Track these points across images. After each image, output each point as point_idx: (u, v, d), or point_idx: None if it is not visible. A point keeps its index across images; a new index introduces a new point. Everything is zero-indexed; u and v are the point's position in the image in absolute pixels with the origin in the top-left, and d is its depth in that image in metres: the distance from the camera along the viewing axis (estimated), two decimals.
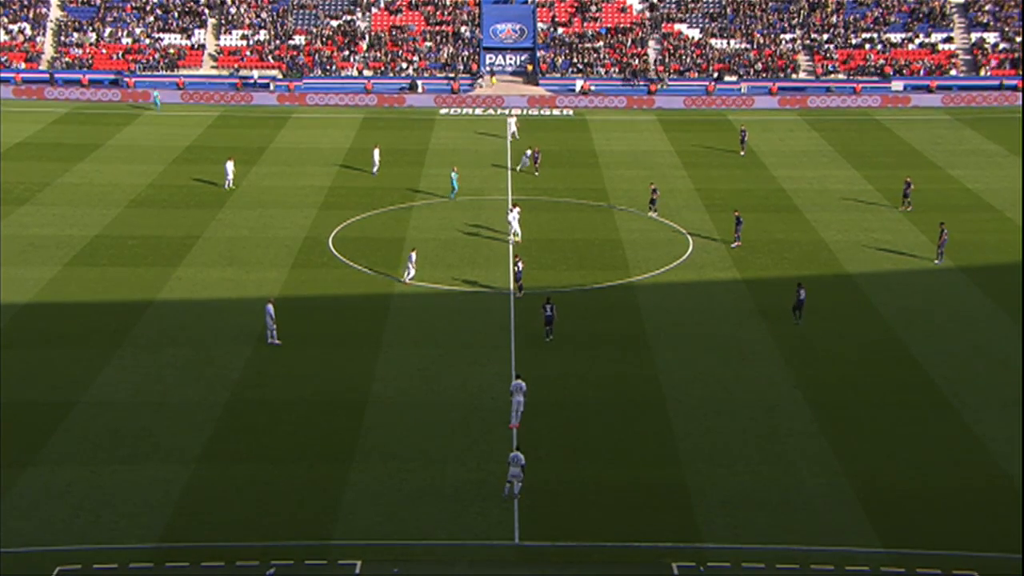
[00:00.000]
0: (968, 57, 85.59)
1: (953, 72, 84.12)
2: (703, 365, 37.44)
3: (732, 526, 28.20)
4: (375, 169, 61.23)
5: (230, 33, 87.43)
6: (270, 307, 38.50)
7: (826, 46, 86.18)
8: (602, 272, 46.16)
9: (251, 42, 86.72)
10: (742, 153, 65.54)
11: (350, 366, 37.20)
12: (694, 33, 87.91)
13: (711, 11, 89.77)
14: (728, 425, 33.32)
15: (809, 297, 43.53)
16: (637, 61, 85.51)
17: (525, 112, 78.98)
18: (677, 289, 44.37)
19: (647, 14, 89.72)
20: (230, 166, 57.69)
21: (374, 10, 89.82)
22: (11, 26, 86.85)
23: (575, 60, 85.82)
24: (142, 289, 43.61)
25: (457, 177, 56.63)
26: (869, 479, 30.31)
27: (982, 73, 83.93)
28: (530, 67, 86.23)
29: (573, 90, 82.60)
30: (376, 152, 62.22)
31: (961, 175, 61.04)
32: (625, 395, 35.31)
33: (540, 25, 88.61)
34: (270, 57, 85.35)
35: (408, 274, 44.20)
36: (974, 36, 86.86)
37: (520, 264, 43.56)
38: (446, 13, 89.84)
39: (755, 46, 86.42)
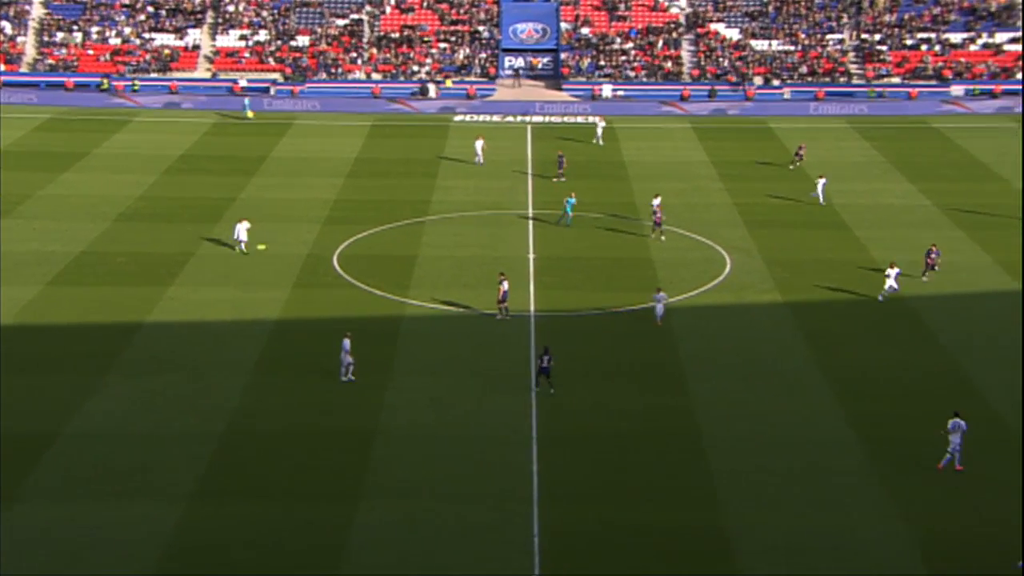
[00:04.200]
0: None
1: (1020, 75, 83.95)
2: (743, 397, 37.42)
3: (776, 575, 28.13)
4: (478, 159, 65.56)
5: (227, 33, 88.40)
6: (347, 342, 38.27)
7: (878, 47, 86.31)
8: (632, 293, 46.27)
9: (250, 43, 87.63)
10: (791, 168, 65.26)
11: (357, 395, 37.40)
12: (732, 34, 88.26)
13: (751, 9, 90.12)
14: (771, 463, 33.25)
15: (859, 323, 43.48)
16: (670, 64, 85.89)
17: (546, 120, 79.45)
18: (714, 312, 44.40)
19: (681, 13, 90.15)
20: (242, 227, 50.59)
21: (386, 9, 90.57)
22: None
23: (601, 62, 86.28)
24: (132, 310, 43.97)
25: (574, 203, 55.20)
26: (928, 525, 30.15)
27: None
28: (536, 62, 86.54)
29: (600, 95, 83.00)
30: (479, 143, 65.80)
31: None
32: (657, 429, 35.32)
33: (564, 25, 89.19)
34: (271, 59, 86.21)
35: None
36: None
37: (506, 283, 43.36)
38: (462, 12, 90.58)
39: (800, 47, 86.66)
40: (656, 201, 53.89)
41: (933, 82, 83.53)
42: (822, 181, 58.77)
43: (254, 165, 65.99)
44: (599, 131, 71.92)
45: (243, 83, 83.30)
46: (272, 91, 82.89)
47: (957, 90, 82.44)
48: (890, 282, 44.80)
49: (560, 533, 29.78)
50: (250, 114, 78.75)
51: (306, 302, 45.30)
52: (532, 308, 44.76)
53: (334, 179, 63.36)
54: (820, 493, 31.73)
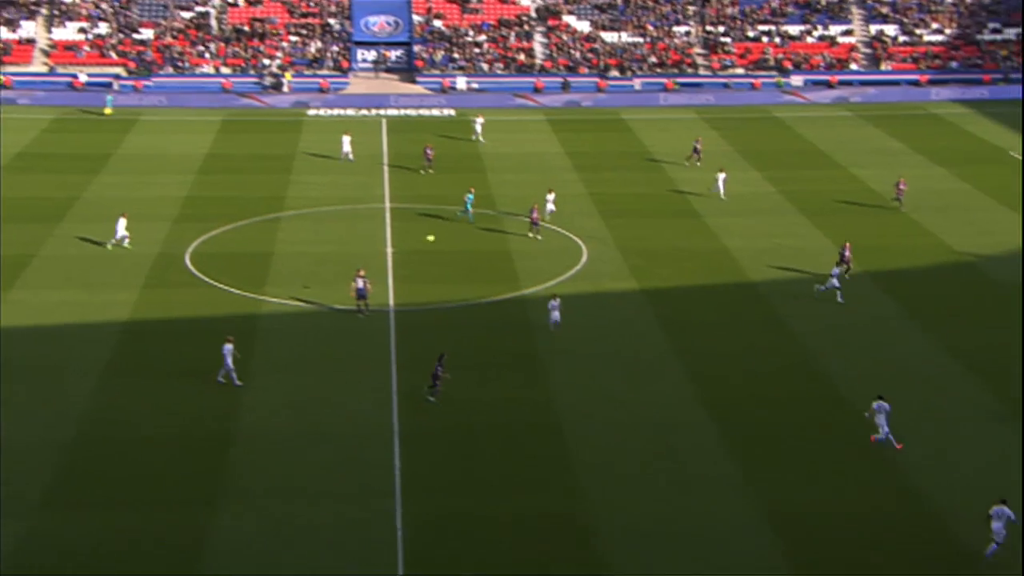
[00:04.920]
0: (868, 51, 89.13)
1: (853, 66, 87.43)
2: (601, 384, 37.92)
3: (636, 558, 28.55)
4: (346, 157, 63.99)
5: (64, 26, 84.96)
6: (228, 347, 36.97)
7: (723, 39, 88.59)
8: (490, 285, 46.40)
9: (90, 36, 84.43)
10: (698, 164, 63.87)
11: (214, 397, 36.48)
12: (583, 26, 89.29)
13: (601, 2, 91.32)
14: (629, 449, 33.80)
15: (712, 310, 44.57)
16: (523, 56, 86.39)
17: (401, 113, 79.11)
18: (571, 302, 44.80)
19: (532, 6, 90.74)
20: (122, 223, 49.43)
21: (237, 2, 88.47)
22: None
23: (455, 55, 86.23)
24: None
25: (472, 200, 54.08)
26: (779, 503, 31.09)
27: (883, 67, 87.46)
28: (389, 55, 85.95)
29: (454, 87, 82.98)
30: (347, 139, 64.35)
31: (865, 175, 63.39)
32: (518, 419, 35.51)
33: (416, 17, 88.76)
34: (112, 52, 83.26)
35: None
36: (873, 28, 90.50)
37: (363, 281, 42.40)
38: (312, 4, 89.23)
39: (648, 39, 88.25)
40: (551, 197, 53.74)
41: (774, 73, 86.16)
42: (721, 175, 58.65)
43: (98, 163, 63.67)
44: (478, 127, 70.61)
45: (83, 78, 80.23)
46: (115, 86, 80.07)
47: (796, 80, 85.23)
48: (832, 280, 44.67)
49: (423, 527, 29.68)
50: (107, 111, 75.90)
51: (157, 303, 43.98)
52: (391, 303, 44.45)
53: (184, 176, 61.66)
54: (677, 476, 32.41)
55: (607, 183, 61.82)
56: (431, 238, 41.78)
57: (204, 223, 53.28)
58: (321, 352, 40.10)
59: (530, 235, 51.83)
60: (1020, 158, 67.18)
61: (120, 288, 45.18)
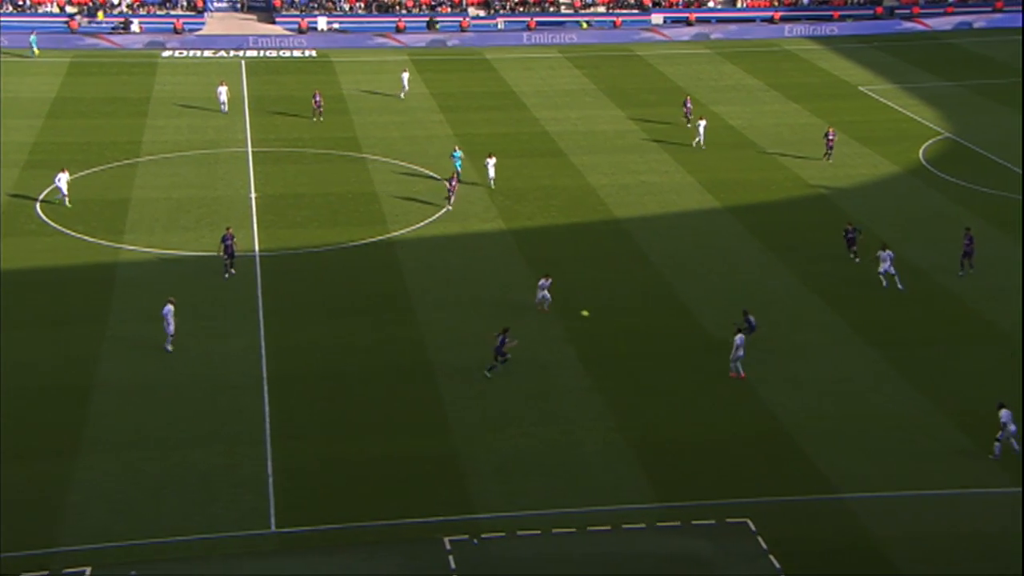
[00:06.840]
0: None
1: (711, 4, 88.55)
2: (471, 324, 38.00)
3: (507, 493, 28.97)
4: (224, 108, 60.71)
5: None
6: (170, 307, 35.18)
7: None
8: (358, 228, 45.91)
9: None
10: (689, 125, 59.47)
11: (71, 348, 35.39)
12: None
13: None
14: (500, 387, 34.08)
15: (577, 247, 45.08)
16: None
17: (261, 54, 77.12)
18: (440, 243, 44.77)
19: None
20: (63, 178, 46.91)
21: None
22: None
23: None
24: None
25: (461, 156, 51.61)
26: (644, 433, 31.88)
27: (739, 4, 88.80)
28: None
29: (314, 28, 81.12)
30: (223, 90, 61.06)
31: (723, 111, 64.54)
32: (389, 362, 35.42)
33: None
34: None
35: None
36: None
37: (231, 239, 40.82)
38: None
39: None
40: (491, 161, 50.50)
41: (635, 11, 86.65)
42: (702, 123, 57.47)
43: None
44: (405, 83, 66.46)
45: None
46: None
47: (657, 18, 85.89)
48: (885, 266, 40.82)
49: (295, 473, 29.49)
50: (36, 52, 71.86)
51: (7, 252, 42.20)
52: (256, 248, 43.61)
53: (32, 120, 59.01)
54: (546, 411, 32.87)
55: (473, 124, 61.52)
56: (585, 313, 37.77)
57: (55, 170, 51.01)
58: (185, 299, 39.05)
59: (448, 207, 47.87)
60: (874, 95, 69.42)
61: None
